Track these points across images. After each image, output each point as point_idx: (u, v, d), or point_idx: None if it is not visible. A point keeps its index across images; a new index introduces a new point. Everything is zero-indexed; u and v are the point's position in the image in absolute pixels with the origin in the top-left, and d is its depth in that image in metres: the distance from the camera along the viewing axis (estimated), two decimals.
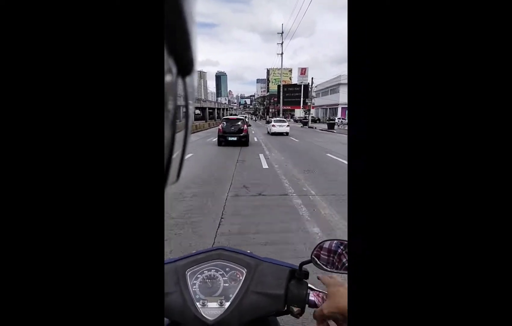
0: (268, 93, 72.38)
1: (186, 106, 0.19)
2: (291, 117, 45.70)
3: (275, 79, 76.28)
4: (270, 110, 64.04)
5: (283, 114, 39.96)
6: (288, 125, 15.71)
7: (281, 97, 40.07)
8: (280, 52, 37.93)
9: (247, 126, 10.96)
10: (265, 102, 73.67)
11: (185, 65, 0.17)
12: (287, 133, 15.33)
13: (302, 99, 45.67)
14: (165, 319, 0.53)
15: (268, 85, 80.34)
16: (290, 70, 76.54)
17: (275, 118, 18.67)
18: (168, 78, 0.15)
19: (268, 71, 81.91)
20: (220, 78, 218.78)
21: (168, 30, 0.14)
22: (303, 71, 55.68)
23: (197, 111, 43.70)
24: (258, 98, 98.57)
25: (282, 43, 38.94)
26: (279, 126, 15.60)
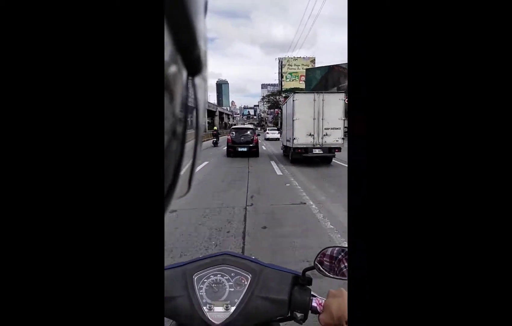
0: (284, 94, 48.49)
1: (197, 111, 0.19)
2: None
3: (290, 73, 54.68)
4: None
5: None
6: (279, 132, 21.40)
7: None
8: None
9: (257, 136, 11.83)
10: (280, 102, 49.94)
11: (193, 62, 0.17)
12: (278, 139, 20.89)
13: None
14: (173, 321, 0.58)
15: (280, 82, 57.47)
16: (313, 60, 55.63)
17: (269, 127, 28.76)
18: (172, 70, 0.15)
19: (280, 62, 58.26)
20: (221, 86, 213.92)
21: (170, 22, 0.14)
22: None
23: None
24: (266, 97, 68.81)
25: None
26: (272, 133, 24.87)
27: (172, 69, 0.15)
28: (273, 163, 9.35)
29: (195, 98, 0.18)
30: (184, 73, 0.16)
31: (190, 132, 0.18)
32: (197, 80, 0.18)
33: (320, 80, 38.11)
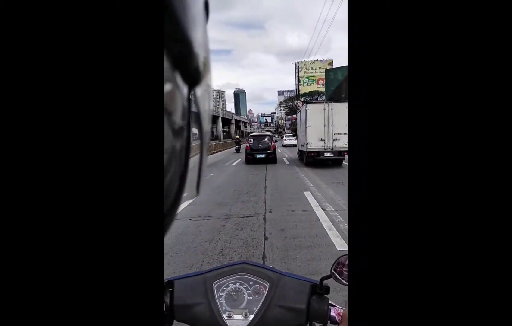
0: (302, 99, 49.63)
1: (199, 120, 0.20)
2: None
3: (308, 77, 55.73)
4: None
5: None
6: (295, 139, 21.30)
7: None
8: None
9: (274, 142, 12.42)
10: (297, 106, 53.34)
11: (190, 74, 0.17)
12: (295, 145, 20.28)
13: None
14: None
15: (298, 86, 59.41)
16: (331, 63, 54.01)
17: (286, 134, 30.94)
18: (168, 86, 0.15)
19: (297, 66, 59.47)
20: (238, 96, 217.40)
21: (165, 36, 0.14)
22: None
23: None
24: (283, 102, 70.75)
25: None
26: (289, 140, 26.17)
27: (167, 82, 0.15)
28: (307, 195, 5.48)
29: (198, 106, 0.19)
30: (183, 85, 0.17)
31: (196, 142, 0.19)
32: (199, 89, 0.19)
33: (343, 81, 35.58)
